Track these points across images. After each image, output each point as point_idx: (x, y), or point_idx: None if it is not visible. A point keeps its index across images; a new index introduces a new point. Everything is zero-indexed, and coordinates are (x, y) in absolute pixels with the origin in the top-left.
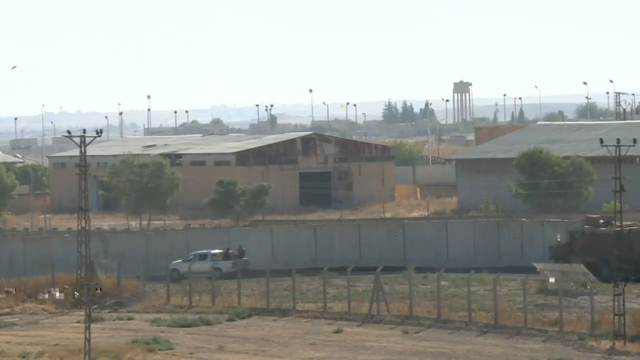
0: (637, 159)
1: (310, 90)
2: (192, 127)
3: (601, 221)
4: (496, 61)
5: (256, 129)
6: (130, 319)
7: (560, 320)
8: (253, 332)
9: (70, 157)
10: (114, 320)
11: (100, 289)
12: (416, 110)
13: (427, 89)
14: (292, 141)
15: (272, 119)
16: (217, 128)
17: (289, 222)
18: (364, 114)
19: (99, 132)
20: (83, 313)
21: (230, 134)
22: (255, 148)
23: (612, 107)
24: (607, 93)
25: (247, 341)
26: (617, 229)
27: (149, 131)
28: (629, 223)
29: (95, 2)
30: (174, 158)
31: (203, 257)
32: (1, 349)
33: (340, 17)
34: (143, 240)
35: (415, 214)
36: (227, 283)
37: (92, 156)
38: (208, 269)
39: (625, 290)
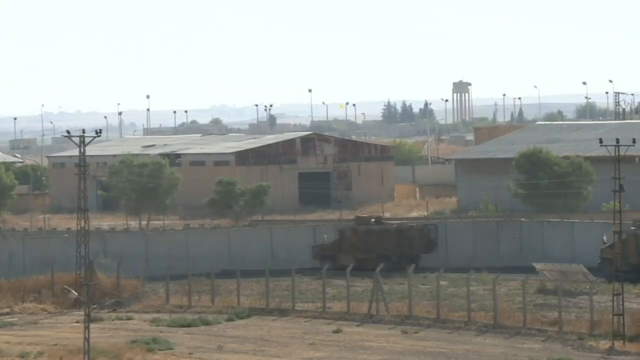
0: (637, 159)
1: (310, 90)
2: (191, 127)
3: (372, 220)
4: (495, 61)
5: (255, 129)
6: (129, 319)
7: (560, 320)
8: (252, 332)
9: (70, 157)
10: (113, 320)
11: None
12: (415, 110)
13: (426, 89)
14: (291, 141)
15: (272, 119)
16: (216, 128)
17: (288, 222)
18: (363, 114)
19: (99, 132)
20: (82, 313)
21: (230, 134)
22: (255, 148)
23: (611, 107)
24: (607, 93)
25: (246, 341)
26: (394, 226)
27: (148, 131)
28: (399, 222)
29: (95, 2)
30: (174, 158)
31: None
32: (0, 348)
33: (339, 17)
34: (142, 240)
35: (414, 214)
36: (226, 283)
37: (92, 156)
38: None
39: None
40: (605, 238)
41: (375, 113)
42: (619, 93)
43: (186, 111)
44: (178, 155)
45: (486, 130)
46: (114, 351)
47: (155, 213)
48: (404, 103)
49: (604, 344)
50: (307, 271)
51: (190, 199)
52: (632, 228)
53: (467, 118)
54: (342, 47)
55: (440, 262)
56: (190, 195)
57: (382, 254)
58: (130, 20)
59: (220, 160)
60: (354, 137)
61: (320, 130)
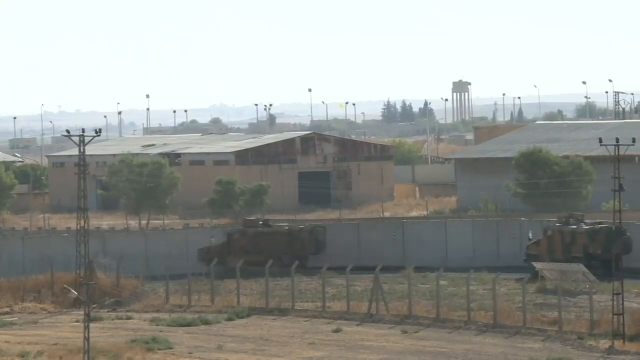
0: (637, 159)
1: (310, 90)
2: (191, 127)
3: (260, 222)
4: (495, 61)
5: (255, 128)
6: (129, 318)
7: (560, 319)
8: (252, 332)
9: (70, 156)
10: (113, 320)
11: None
12: (415, 110)
13: (426, 88)
14: (291, 141)
15: (272, 118)
16: (216, 128)
17: (288, 222)
18: (363, 113)
19: (98, 132)
20: (82, 313)
21: (230, 134)
22: (255, 148)
23: (611, 106)
24: (607, 93)
25: (246, 341)
26: (286, 228)
27: (148, 131)
28: (288, 224)
29: (95, 2)
30: (173, 158)
31: None
32: (0, 348)
33: (339, 17)
34: (142, 240)
35: (414, 214)
36: (226, 283)
37: (92, 156)
38: None
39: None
40: (531, 235)
41: (375, 113)
42: (619, 93)
43: (186, 111)
44: (178, 155)
45: (486, 130)
46: (114, 351)
47: (155, 213)
48: (404, 103)
49: (604, 344)
50: (307, 271)
51: (190, 198)
52: (558, 225)
53: (467, 118)
54: (342, 46)
55: (327, 262)
56: (190, 195)
57: (273, 255)
58: (130, 20)
59: (220, 160)
60: (354, 137)
61: (320, 130)
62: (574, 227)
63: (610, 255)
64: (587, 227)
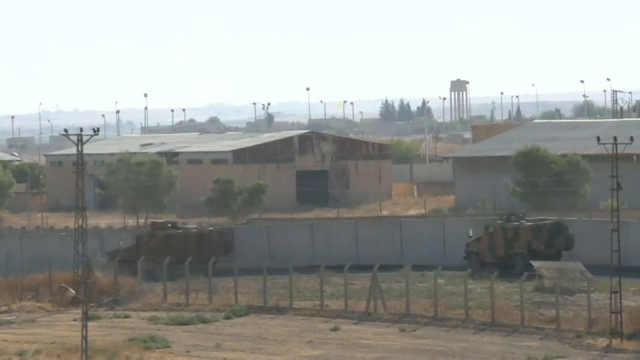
0: (634, 157)
1: (308, 89)
2: (189, 126)
3: (169, 225)
4: (493, 59)
5: (253, 127)
6: (127, 317)
7: (557, 318)
8: (250, 330)
9: (67, 155)
10: (110, 318)
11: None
12: (413, 108)
13: (424, 87)
14: (289, 139)
15: (269, 117)
16: (214, 126)
17: (286, 221)
18: (360, 112)
19: (96, 131)
20: (80, 311)
21: (227, 133)
22: (252, 146)
23: (609, 105)
24: (604, 91)
25: (244, 339)
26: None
27: (146, 130)
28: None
29: (92, 1)
30: (171, 156)
31: None
32: None
33: (337, 15)
34: None
35: (412, 212)
36: (224, 281)
37: (89, 154)
38: None
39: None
40: (471, 232)
41: (373, 111)
42: (616, 91)
43: (184, 110)
44: (176, 154)
45: (484, 128)
46: (111, 349)
47: (152, 211)
48: (401, 101)
49: (602, 342)
50: (304, 269)
51: (188, 197)
52: (499, 221)
53: (465, 116)
54: (340, 45)
55: (237, 263)
56: (187, 193)
57: (183, 257)
58: (127, 19)
59: (217, 159)
60: (351, 136)
61: (317, 129)
62: (516, 223)
63: (552, 251)
64: (530, 223)
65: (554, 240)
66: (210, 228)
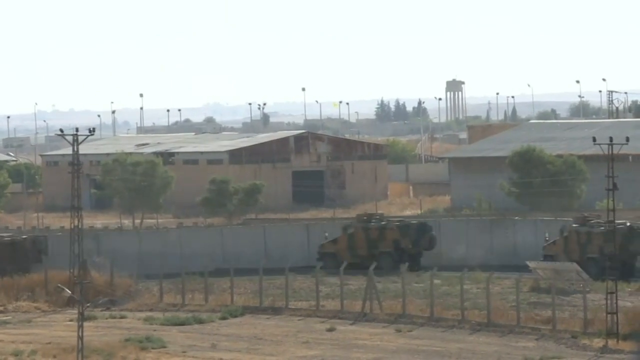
0: (630, 158)
1: (303, 89)
2: (184, 126)
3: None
4: (489, 60)
5: (249, 127)
6: (123, 317)
7: (553, 318)
8: (246, 331)
9: (63, 155)
10: (106, 318)
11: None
12: (409, 108)
13: (419, 87)
14: (285, 140)
15: (265, 117)
16: (209, 126)
17: (282, 221)
18: (356, 112)
19: (92, 131)
20: (76, 311)
21: (223, 133)
22: (248, 146)
23: (604, 105)
24: (600, 91)
25: (240, 339)
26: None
27: (141, 130)
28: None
29: (88, 1)
30: (167, 157)
31: None
32: None
33: (333, 16)
34: (136, 238)
35: (408, 213)
36: (220, 281)
37: (85, 155)
38: None
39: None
40: (327, 234)
41: (369, 111)
42: (612, 92)
43: (179, 110)
44: (171, 154)
45: (479, 128)
46: (107, 349)
47: (148, 211)
48: (397, 101)
49: (598, 342)
50: (300, 269)
51: (184, 197)
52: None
53: (461, 116)
54: (336, 45)
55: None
56: (183, 193)
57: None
58: (123, 19)
59: (213, 159)
60: (347, 136)
61: (313, 129)
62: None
63: (418, 250)
64: (398, 223)
65: (420, 239)
66: (25, 236)
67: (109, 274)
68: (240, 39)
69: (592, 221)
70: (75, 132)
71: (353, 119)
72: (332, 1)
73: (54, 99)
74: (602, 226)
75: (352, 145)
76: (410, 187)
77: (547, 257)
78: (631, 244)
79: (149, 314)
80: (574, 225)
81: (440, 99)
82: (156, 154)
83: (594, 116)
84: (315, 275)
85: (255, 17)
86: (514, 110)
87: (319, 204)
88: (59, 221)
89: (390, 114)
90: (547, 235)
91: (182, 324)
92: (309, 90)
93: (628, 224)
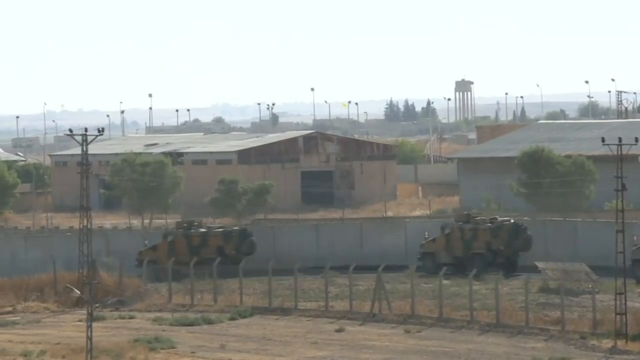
0: (639, 158)
1: (312, 89)
2: (193, 126)
3: None
4: (498, 60)
5: (258, 127)
6: (132, 317)
7: (562, 319)
8: (255, 331)
9: (72, 155)
10: (115, 319)
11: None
12: (418, 109)
13: (428, 87)
14: (294, 140)
15: (274, 117)
16: (218, 126)
17: (290, 221)
18: (365, 112)
19: (101, 131)
20: (85, 312)
21: (232, 133)
22: (257, 147)
23: (613, 105)
24: (609, 92)
25: (249, 340)
26: None
27: (150, 130)
28: None
29: (97, 1)
30: (176, 157)
31: None
32: (3, 347)
33: (342, 16)
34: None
35: (417, 213)
36: (229, 282)
37: (94, 155)
38: None
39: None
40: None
41: (378, 112)
42: (621, 92)
43: (188, 110)
44: (180, 154)
45: (488, 129)
46: (116, 350)
47: (157, 212)
48: (406, 102)
49: (607, 343)
50: (309, 270)
51: (193, 197)
52: (459, 223)
53: (470, 117)
54: (345, 45)
55: None
56: (192, 194)
57: None
58: (132, 19)
59: (222, 159)
60: (356, 136)
61: (322, 129)
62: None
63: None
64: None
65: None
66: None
67: (117, 274)
68: (249, 39)
69: (477, 218)
70: (84, 132)
71: (362, 119)
72: (342, 1)
73: (63, 99)
74: (488, 223)
75: (361, 146)
76: (419, 188)
77: (426, 255)
78: (515, 240)
79: (158, 314)
80: (458, 222)
81: (449, 99)
82: (165, 154)
83: (603, 116)
84: (324, 275)
85: (265, 18)
86: (522, 111)
87: (328, 205)
88: (68, 221)
89: (399, 114)
90: (426, 233)
91: (191, 324)
92: (318, 91)
93: (512, 220)
